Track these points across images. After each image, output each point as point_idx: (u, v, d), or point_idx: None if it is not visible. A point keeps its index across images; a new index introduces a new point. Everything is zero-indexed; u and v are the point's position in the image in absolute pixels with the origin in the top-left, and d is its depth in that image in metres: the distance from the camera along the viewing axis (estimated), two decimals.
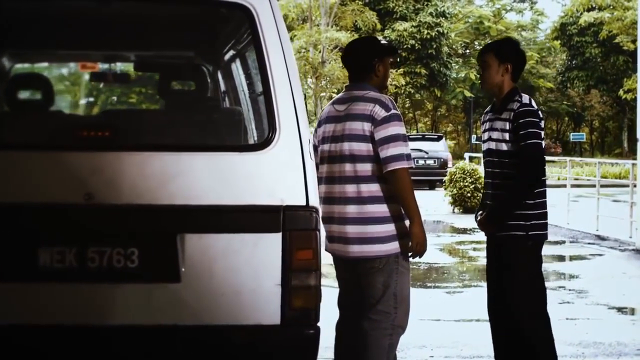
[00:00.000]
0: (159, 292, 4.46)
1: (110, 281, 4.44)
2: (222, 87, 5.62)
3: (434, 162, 34.29)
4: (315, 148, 5.64)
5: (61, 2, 4.80)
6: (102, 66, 5.92)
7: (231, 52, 5.43)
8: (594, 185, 19.51)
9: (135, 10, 4.80)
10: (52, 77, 5.71)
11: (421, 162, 34.19)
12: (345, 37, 40.96)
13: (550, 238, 16.94)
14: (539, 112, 5.98)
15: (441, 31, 55.00)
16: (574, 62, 65.78)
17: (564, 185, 21.60)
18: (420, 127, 75.80)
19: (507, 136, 5.95)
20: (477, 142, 60.76)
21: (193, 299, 4.46)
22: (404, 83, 47.47)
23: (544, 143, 5.97)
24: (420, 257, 5.58)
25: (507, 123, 5.95)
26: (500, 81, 6.04)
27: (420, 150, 34.09)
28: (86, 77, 6.09)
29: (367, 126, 5.39)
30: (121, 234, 4.45)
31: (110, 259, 4.43)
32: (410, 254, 5.54)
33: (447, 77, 58.59)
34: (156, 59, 5.90)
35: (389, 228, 5.47)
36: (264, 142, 4.51)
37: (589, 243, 16.62)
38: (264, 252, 4.47)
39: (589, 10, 53.77)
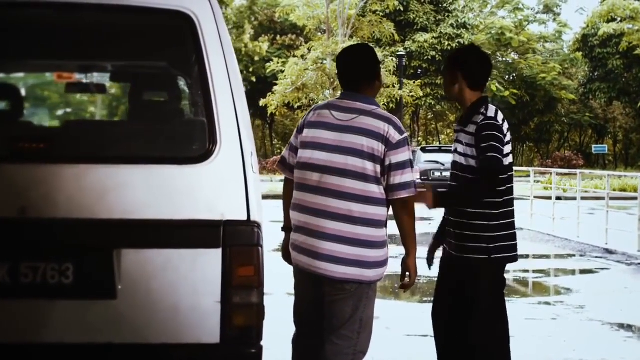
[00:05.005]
0: (94, 309, 4.32)
1: (44, 297, 4.30)
2: (163, 98, 5.47)
3: None
4: (294, 149, 5.40)
5: None
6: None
7: (172, 62, 5.29)
8: (611, 198, 19.31)
9: (75, 19, 4.67)
10: None
11: (437, 174, 34.05)
12: None
13: (559, 251, 17.04)
14: (504, 127, 5.67)
15: (462, 42, 54.71)
16: (596, 74, 65.36)
17: (582, 198, 21.33)
18: (443, 139, 75.65)
19: (469, 151, 5.69)
20: None
21: (129, 316, 4.32)
22: (421, 95, 47.23)
23: (507, 160, 5.68)
24: (407, 290, 5.47)
25: (471, 137, 5.67)
26: (456, 91, 5.78)
27: (437, 162, 33.97)
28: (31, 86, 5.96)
29: (378, 146, 5.13)
30: (55, 248, 4.31)
31: (44, 275, 4.29)
32: (401, 285, 5.41)
33: None
34: (97, 69, 5.77)
35: (381, 253, 5.24)
36: (204, 155, 4.36)
37: (596, 257, 16.41)
38: (204, 268, 4.33)
39: (608, 21, 53.41)
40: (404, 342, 8.80)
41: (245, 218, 4.35)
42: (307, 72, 41.29)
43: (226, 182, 4.35)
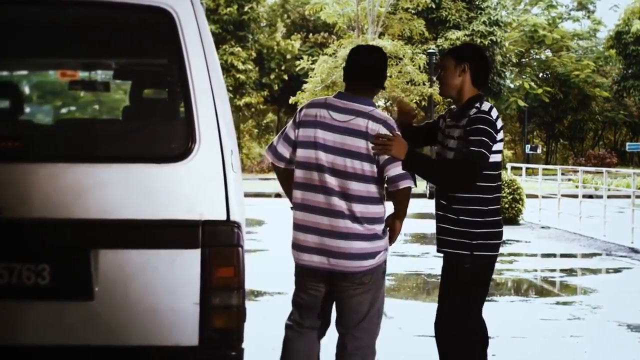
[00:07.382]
0: (70, 311, 4.25)
1: (20, 299, 4.24)
2: (142, 95, 5.38)
3: None
4: (292, 142, 5.42)
5: None
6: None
7: (152, 59, 5.21)
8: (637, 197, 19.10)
9: (53, 15, 4.59)
10: None
11: None
12: (391, 46, 40.66)
13: (584, 250, 16.87)
14: (497, 123, 5.52)
15: (495, 40, 54.41)
16: (630, 71, 64.72)
17: (613, 197, 21.10)
18: None
19: (461, 145, 5.51)
20: (531, 152, 60.18)
21: (107, 318, 4.25)
22: None
23: (497, 157, 5.54)
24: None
25: (461, 130, 5.53)
26: (458, 83, 5.63)
27: None
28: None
29: (372, 146, 5.26)
30: (31, 249, 4.24)
31: (20, 276, 4.23)
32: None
33: (501, 86, 58.01)
34: (74, 67, 5.69)
35: (386, 240, 5.42)
36: (183, 153, 4.28)
37: (621, 256, 16.20)
38: (182, 269, 4.25)
39: None
40: (414, 342, 8.68)
41: (224, 218, 4.27)
42: (337, 70, 41.18)
43: (205, 181, 4.28)
